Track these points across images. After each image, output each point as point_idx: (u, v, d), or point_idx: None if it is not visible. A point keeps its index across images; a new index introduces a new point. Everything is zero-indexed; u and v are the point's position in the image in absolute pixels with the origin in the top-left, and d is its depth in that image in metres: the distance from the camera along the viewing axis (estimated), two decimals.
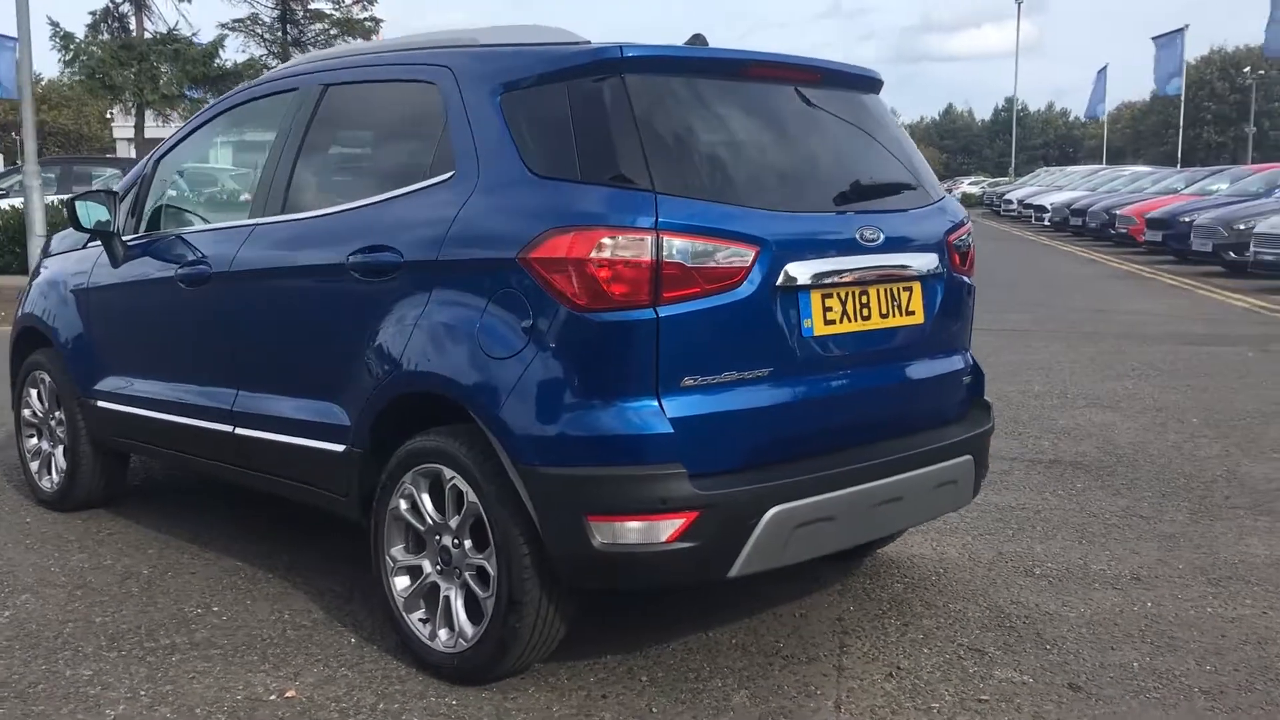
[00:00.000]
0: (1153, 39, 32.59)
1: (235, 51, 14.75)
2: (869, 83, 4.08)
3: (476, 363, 3.38)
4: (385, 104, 4.13)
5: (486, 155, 3.53)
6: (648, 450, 3.19)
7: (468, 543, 3.51)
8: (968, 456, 3.94)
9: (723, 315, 3.28)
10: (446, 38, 3.95)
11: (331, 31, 14.95)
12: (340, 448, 3.88)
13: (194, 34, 14.27)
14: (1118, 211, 25.85)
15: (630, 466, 3.19)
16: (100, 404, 5.05)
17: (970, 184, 60.19)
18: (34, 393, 5.54)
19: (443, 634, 3.58)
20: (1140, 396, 8.10)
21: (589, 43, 3.62)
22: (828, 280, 3.50)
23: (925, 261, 3.82)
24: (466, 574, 3.51)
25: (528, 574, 3.34)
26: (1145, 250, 23.23)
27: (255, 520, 5.24)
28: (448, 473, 3.50)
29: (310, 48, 15.02)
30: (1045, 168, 54.89)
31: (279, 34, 14.67)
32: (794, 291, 3.42)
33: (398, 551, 3.72)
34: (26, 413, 5.61)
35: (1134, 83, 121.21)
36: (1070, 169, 42.89)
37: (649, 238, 3.18)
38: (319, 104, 4.21)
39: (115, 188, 5.02)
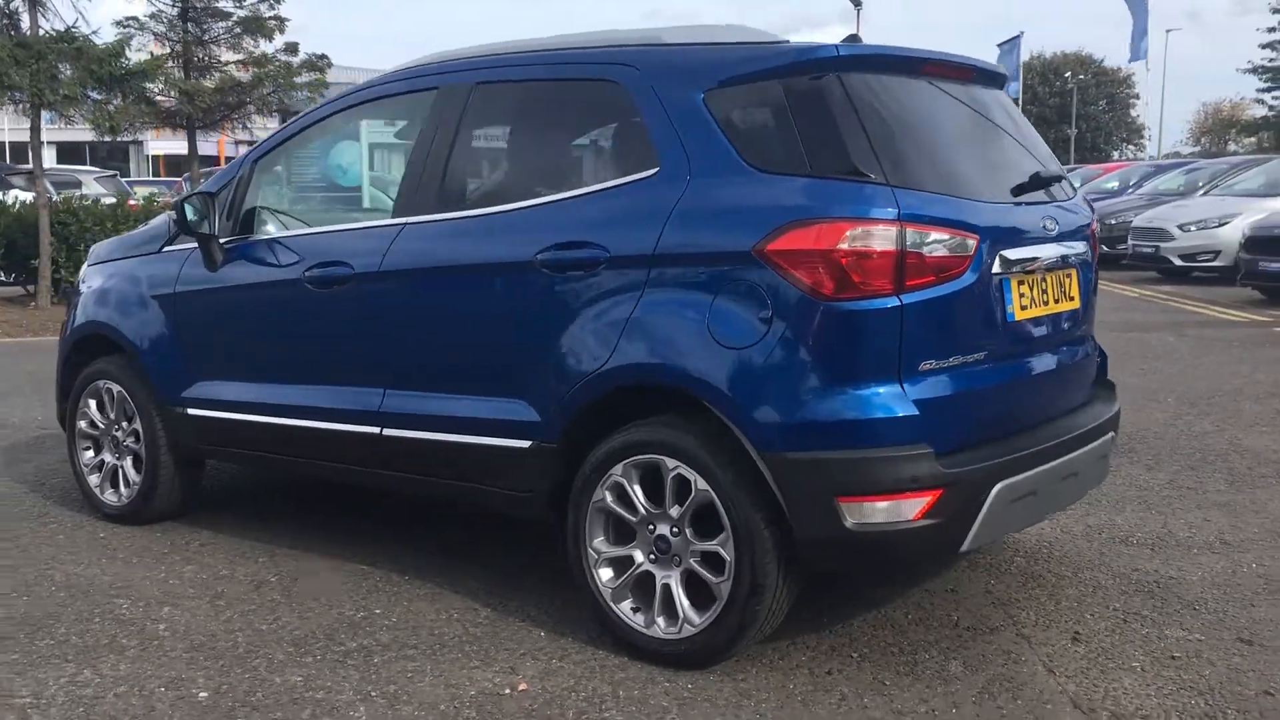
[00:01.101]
0: (998, 45, 34.36)
1: (134, 50, 14.17)
2: (1002, 79, 4.30)
3: (712, 353, 3.46)
4: (555, 102, 4.15)
5: (696, 152, 3.61)
6: (897, 432, 3.34)
7: (689, 530, 3.58)
8: (1112, 433, 4.20)
9: (951, 302, 3.45)
10: (619, 37, 4.00)
11: (236, 30, 14.53)
12: (525, 443, 3.89)
13: (93, 31, 13.70)
14: None
15: (882, 448, 3.33)
16: (191, 411, 4.91)
17: None
18: (93, 403, 5.33)
19: (661, 621, 3.65)
20: None
21: (785, 41, 3.74)
22: (1023, 267, 3.70)
23: (1080, 249, 4.07)
24: (690, 561, 3.59)
25: (769, 558, 3.44)
26: None
27: (342, 522, 5.17)
28: (670, 462, 3.57)
29: (213, 47, 14.58)
30: None
31: (181, 32, 14.19)
32: (1001, 278, 3.61)
33: (600, 544, 3.77)
34: (83, 424, 5.38)
35: None
36: None
37: (894, 229, 3.32)
38: (468, 102, 4.20)
39: (206, 188, 4.87)
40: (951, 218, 3.46)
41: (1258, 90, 38.79)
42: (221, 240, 4.75)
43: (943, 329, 3.45)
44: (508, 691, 3.50)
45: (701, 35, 3.89)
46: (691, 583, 3.62)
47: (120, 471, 5.27)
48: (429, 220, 4.17)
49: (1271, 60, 36.12)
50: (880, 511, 3.33)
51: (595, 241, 3.72)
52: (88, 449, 5.41)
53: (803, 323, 3.36)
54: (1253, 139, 45.56)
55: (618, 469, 3.68)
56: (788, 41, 3.73)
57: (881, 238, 3.32)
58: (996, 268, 3.60)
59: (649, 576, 3.69)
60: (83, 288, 5.49)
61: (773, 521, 3.43)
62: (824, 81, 3.52)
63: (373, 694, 3.48)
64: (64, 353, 5.49)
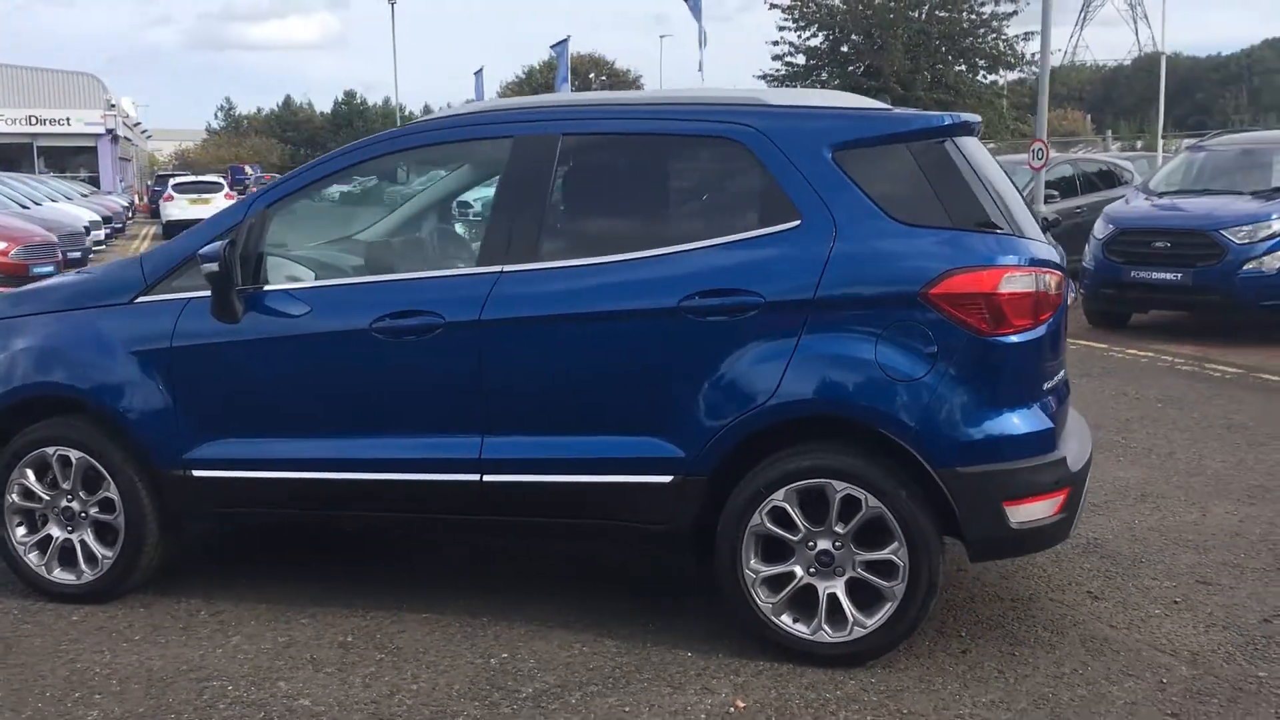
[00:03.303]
0: (551, 47, 36.17)
1: None
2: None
3: (884, 385, 3.93)
4: (663, 157, 4.37)
5: (837, 206, 4.05)
6: (1046, 443, 4.01)
7: (852, 543, 4.03)
8: None
9: (1057, 330, 4.17)
10: (723, 96, 4.33)
11: None
12: (667, 479, 4.13)
13: None
14: None
15: (1037, 458, 3.98)
16: (198, 473, 4.57)
17: None
18: (31, 473, 4.75)
19: (828, 627, 4.06)
20: None
21: (889, 108, 4.28)
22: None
23: None
24: (857, 570, 4.04)
25: (941, 560, 3.98)
26: None
27: (327, 570, 5.02)
28: (838, 484, 3.99)
29: None
30: None
31: None
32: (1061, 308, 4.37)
33: (756, 564, 4.11)
34: (15, 497, 4.78)
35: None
36: None
37: (1033, 273, 3.98)
38: (559, 152, 4.32)
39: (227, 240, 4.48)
40: (1051, 260, 4.17)
41: None
42: (239, 289, 4.46)
43: (1051, 354, 4.16)
44: (730, 710, 3.78)
45: (803, 98, 4.32)
46: (853, 589, 4.06)
47: (76, 546, 4.76)
48: (533, 269, 4.25)
49: (777, 71, 40.65)
50: (1035, 510, 3.98)
51: (747, 288, 4.04)
52: (20, 525, 4.83)
53: (966, 355, 3.93)
54: None
55: (779, 494, 4.04)
56: (893, 109, 4.26)
57: (1026, 280, 3.96)
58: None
59: (810, 589, 4.09)
60: (32, 335, 4.83)
61: (940, 529, 3.98)
62: (946, 145, 4.11)
63: None
64: None
